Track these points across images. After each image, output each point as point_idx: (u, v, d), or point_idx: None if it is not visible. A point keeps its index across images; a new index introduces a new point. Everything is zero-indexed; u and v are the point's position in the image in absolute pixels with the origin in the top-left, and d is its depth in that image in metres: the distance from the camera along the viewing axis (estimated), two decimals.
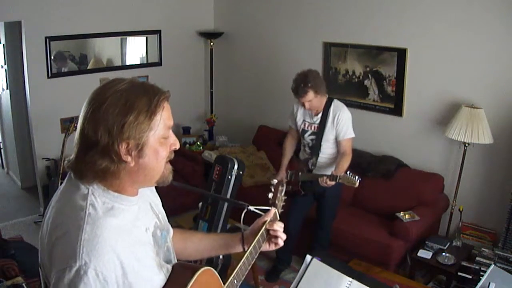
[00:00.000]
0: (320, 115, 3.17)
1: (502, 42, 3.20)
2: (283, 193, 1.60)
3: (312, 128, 3.23)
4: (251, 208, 1.46)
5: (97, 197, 1.02)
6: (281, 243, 1.42)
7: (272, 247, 1.43)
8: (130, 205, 1.07)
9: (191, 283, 1.07)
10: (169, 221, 1.31)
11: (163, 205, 1.32)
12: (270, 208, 1.47)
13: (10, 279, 2.52)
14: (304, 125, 3.27)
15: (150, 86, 1.05)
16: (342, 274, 1.39)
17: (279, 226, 1.40)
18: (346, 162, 3.05)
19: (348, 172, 2.88)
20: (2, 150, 5.68)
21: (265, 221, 1.41)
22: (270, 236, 1.41)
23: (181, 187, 1.61)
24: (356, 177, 2.83)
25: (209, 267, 1.17)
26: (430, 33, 3.52)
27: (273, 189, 1.58)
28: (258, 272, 3.43)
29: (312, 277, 1.40)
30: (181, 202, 4.25)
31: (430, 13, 3.50)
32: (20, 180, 5.12)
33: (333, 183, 2.91)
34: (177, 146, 1.10)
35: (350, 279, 1.38)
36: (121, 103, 0.98)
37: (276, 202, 1.56)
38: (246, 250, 1.33)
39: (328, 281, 1.38)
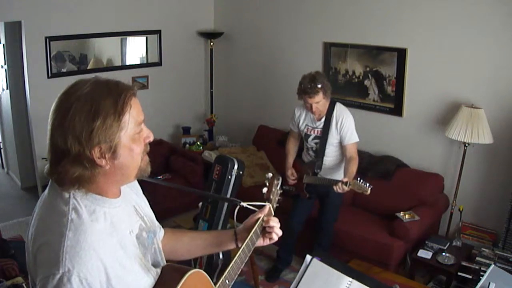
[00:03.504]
0: (323, 119, 3.16)
1: (502, 42, 3.20)
2: (278, 187, 1.55)
3: (316, 132, 3.22)
4: (244, 204, 1.43)
5: (79, 200, 1.01)
6: (275, 238, 1.39)
7: (267, 242, 1.40)
8: (112, 208, 1.06)
9: (179, 286, 1.07)
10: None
11: (155, 207, 1.30)
12: (263, 203, 1.43)
13: (10, 279, 2.52)
14: (307, 130, 3.26)
15: (115, 85, 1.02)
16: (342, 274, 1.38)
17: (275, 222, 1.37)
18: (354, 166, 3.05)
19: (359, 179, 2.87)
20: (2, 150, 5.68)
21: (259, 218, 1.37)
22: (265, 232, 1.38)
23: (173, 187, 1.60)
24: (368, 184, 2.81)
25: (198, 270, 1.15)
26: (430, 33, 3.52)
27: (267, 184, 1.53)
28: (258, 272, 3.43)
29: (312, 277, 1.40)
30: (181, 202, 4.25)
31: (430, 13, 3.50)
32: (20, 180, 5.12)
33: (348, 189, 2.90)
34: (151, 139, 1.09)
35: (350, 279, 1.37)
36: (86, 109, 0.95)
37: (271, 197, 1.51)
38: (240, 247, 1.31)
39: (328, 281, 1.38)
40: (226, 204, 2.89)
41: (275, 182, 1.54)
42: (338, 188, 2.91)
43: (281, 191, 1.57)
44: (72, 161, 0.96)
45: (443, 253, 3.19)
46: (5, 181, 5.43)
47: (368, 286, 1.36)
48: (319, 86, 2.97)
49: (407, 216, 3.33)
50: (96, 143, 0.96)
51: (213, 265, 2.70)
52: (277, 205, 1.54)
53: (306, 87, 2.99)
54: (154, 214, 1.29)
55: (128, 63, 4.76)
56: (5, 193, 5.02)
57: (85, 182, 1.00)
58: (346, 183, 2.88)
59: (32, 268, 1.01)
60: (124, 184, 1.12)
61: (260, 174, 4.28)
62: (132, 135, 1.02)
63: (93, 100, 0.96)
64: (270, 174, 1.56)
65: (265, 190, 1.52)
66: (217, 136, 5.20)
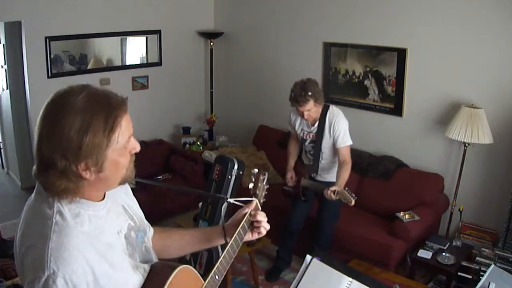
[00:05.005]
0: (316, 124, 3.16)
1: (502, 42, 3.20)
2: (264, 182, 1.55)
3: (311, 137, 3.23)
4: (231, 200, 1.44)
5: (64, 203, 1.01)
6: (263, 232, 1.41)
7: (255, 236, 1.42)
8: (97, 210, 1.06)
9: (168, 282, 1.08)
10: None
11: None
12: (250, 199, 1.45)
13: (10, 279, 2.53)
14: (303, 134, 3.27)
15: (107, 99, 1.00)
16: (342, 274, 1.38)
17: (262, 217, 1.39)
18: (346, 172, 3.06)
19: (347, 189, 2.91)
20: (2, 150, 5.67)
21: (246, 213, 1.39)
22: (254, 227, 1.40)
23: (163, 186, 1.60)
24: (353, 195, 2.87)
25: (187, 266, 1.16)
26: (430, 33, 3.52)
27: (253, 179, 1.53)
28: (258, 272, 3.43)
29: (312, 277, 1.40)
30: (181, 202, 4.25)
31: (430, 13, 3.50)
32: (20, 180, 5.12)
33: (336, 197, 2.94)
34: (137, 149, 1.07)
35: (350, 279, 1.37)
36: (76, 124, 0.94)
37: (257, 192, 1.52)
38: (228, 242, 1.32)
39: (328, 281, 1.38)
40: (225, 204, 2.90)
41: (261, 177, 1.54)
42: (327, 196, 2.95)
43: (268, 186, 1.57)
44: (58, 174, 0.96)
45: (443, 253, 3.19)
46: (5, 181, 5.43)
47: (368, 286, 1.36)
48: (310, 94, 2.96)
49: (407, 216, 3.33)
50: (83, 158, 0.96)
51: (213, 263, 2.70)
52: (264, 200, 1.55)
53: (297, 96, 2.99)
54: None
55: (128, 63, 4.76)
56: (5, 193, 5.02)
57: (70, 193, 1.00)
58: (334, 192, 2.91)
59: (20, 271, 1.02)
60: (108, 191, 1.12)
61: None
62: (120, 150, 1.01)
63: (84, 115, 0.95)
64: (256, 170, 1.56)
65: (251, 185, 1.52)
66: (217, 136, 5.20)
